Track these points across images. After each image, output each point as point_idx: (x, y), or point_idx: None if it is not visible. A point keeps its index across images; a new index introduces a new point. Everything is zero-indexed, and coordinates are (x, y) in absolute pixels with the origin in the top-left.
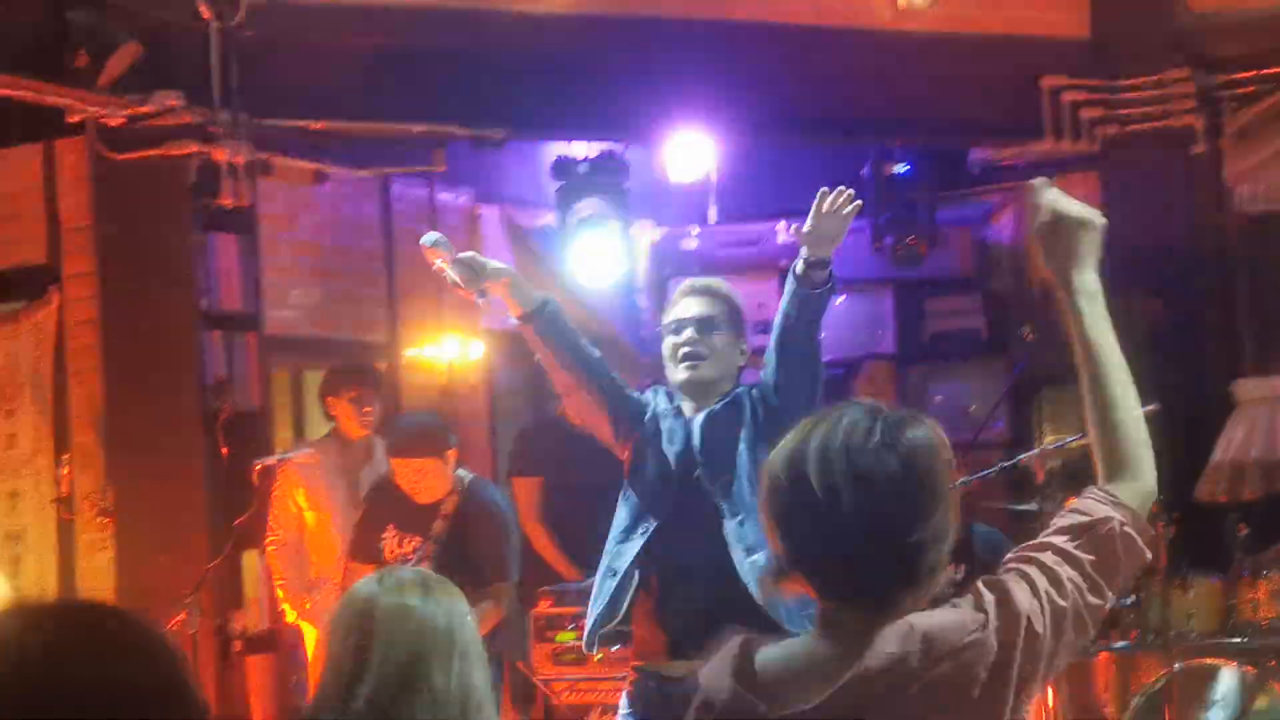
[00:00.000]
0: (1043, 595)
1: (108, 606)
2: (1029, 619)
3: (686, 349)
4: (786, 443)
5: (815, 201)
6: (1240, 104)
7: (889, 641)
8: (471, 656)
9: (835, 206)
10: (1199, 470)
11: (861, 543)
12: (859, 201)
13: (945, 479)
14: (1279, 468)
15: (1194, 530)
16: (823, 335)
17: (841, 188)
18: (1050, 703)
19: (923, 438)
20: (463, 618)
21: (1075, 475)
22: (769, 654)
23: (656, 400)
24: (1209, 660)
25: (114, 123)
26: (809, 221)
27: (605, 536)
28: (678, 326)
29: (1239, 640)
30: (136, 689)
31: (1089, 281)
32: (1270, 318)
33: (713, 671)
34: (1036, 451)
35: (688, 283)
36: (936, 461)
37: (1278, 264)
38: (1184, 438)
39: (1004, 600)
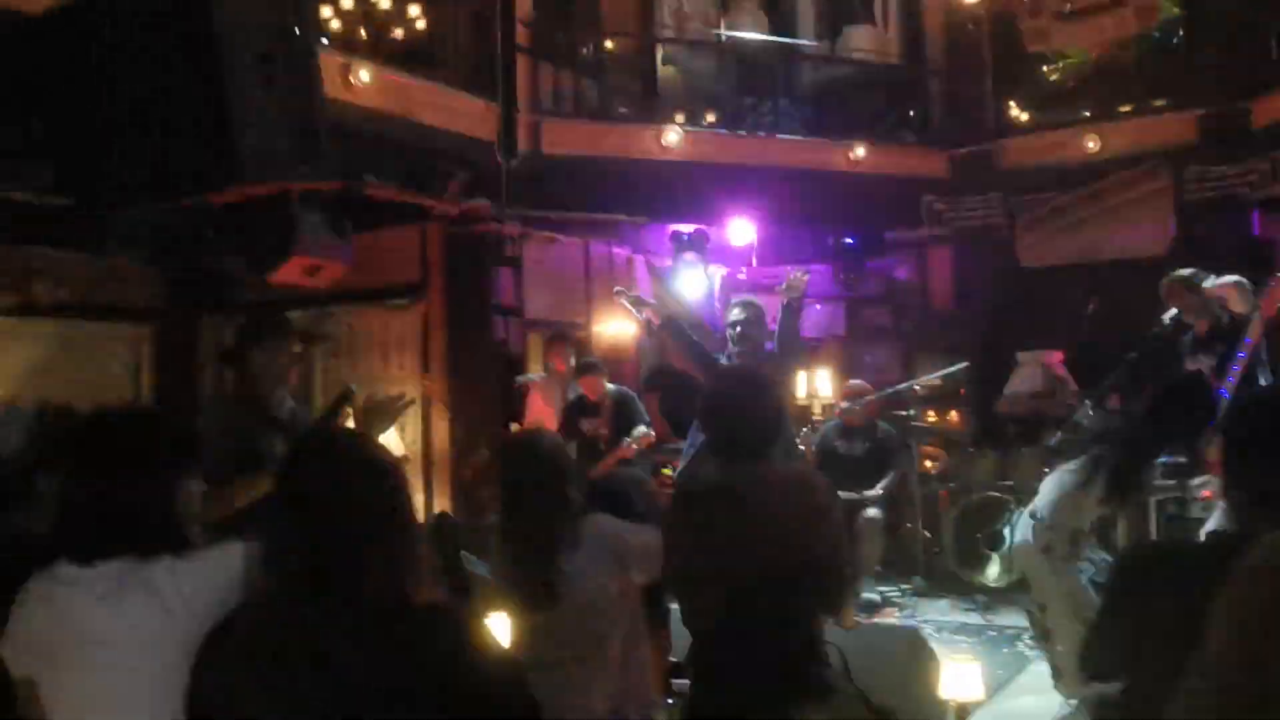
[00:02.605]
0: None
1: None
2: None
3: (736, 332)
4: None
5: (787, 278)
6: (1026, 211)
7: None
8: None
9: (797, 279)
10: (995, 399)
11: None
12: (808, 274)
13: None
14: (1033, 397)
15: (986, 430)
16: (803, 325)
17: (799, 272)
18: None
19: None
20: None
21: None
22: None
23: (721, 360)
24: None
25: (453, 214)
26: (784, 285)
27: (689, 427)
28: (733, 323)
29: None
30: (384, 454)
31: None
32: (1035, 319)
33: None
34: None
35: (737, 300)
36: None
37: (1039, 294)
38: (988, 381)
39: None
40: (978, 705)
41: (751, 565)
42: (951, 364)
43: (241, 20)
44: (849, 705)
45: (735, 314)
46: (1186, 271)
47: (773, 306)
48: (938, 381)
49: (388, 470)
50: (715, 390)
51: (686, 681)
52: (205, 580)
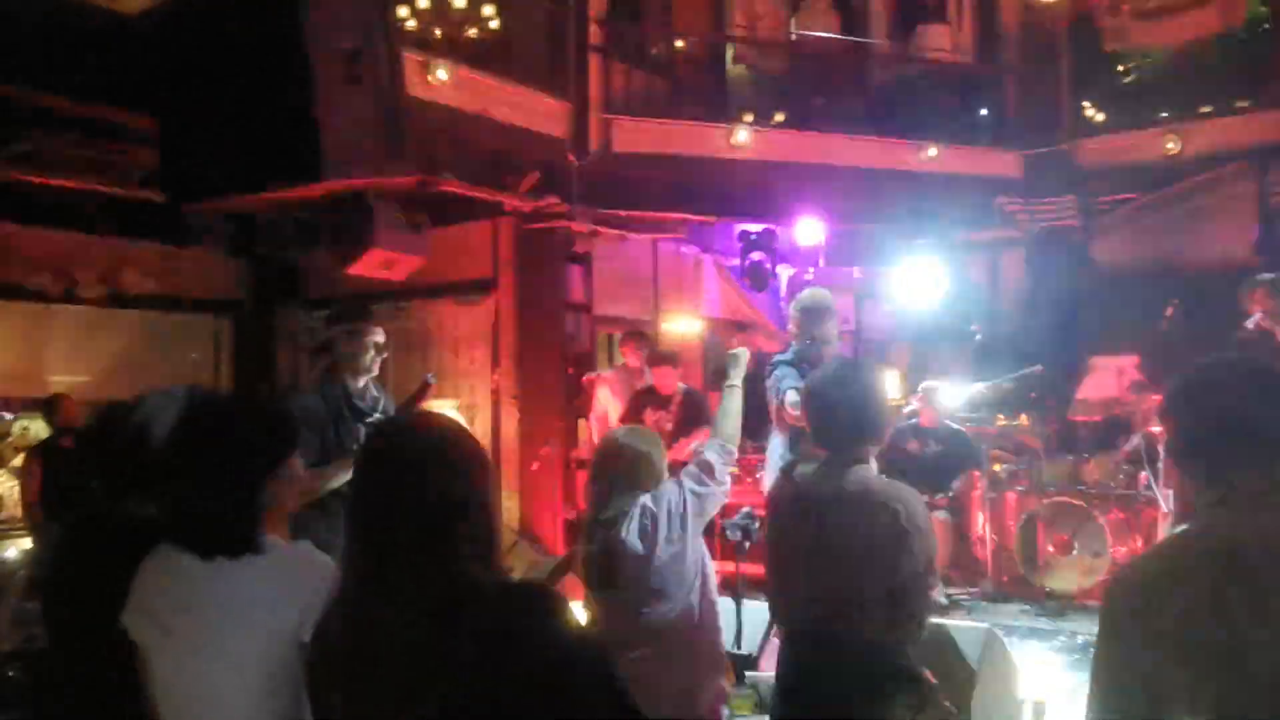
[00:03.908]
0: None
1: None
2: None
3: (799, 327)
4: None
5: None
6: (1103, 213)
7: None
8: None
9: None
10: (1068, 403)
11: None
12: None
13: None
14: (1110, 403)
15: (1059, 434)
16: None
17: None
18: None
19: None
20: (659, 447)
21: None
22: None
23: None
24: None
25: (526, 210)
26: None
27: (754, 427)
28: (797, 315)
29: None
30: (472, 440)
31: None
32: (1109, 323)
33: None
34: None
35: (804, 294)
36: None
37: (1114, 297)
38: (1061, 385)
39: None
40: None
41: (842, 577)
42: (1022, 367)
43: (328, 20)
44: (933, 706)
45: (798, 308)
46: (1269, 276)
47: (844, 305)
48: (1009, 384)
49: (461, 458)
50: (818, 384)
51: (759, 673)
52: (302, 570)
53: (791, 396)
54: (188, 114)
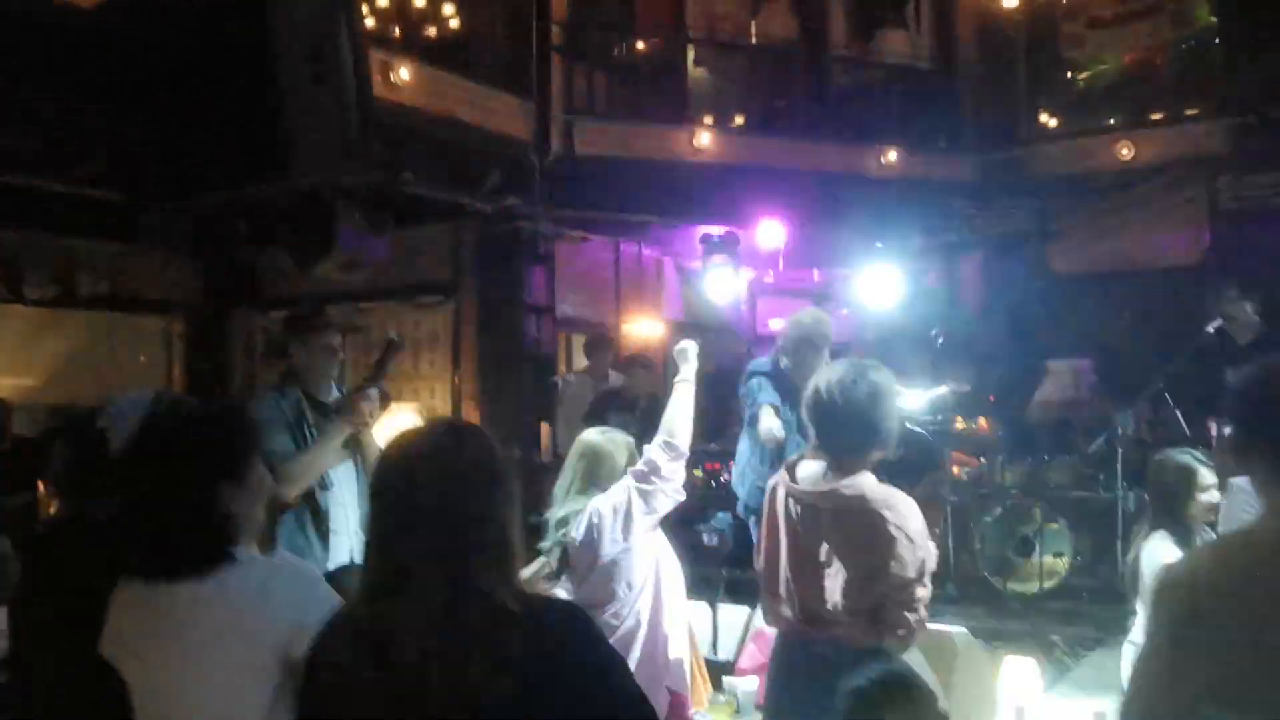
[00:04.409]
0: None
1: (470, 424)
2: None
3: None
4: None
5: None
6: (1058, 219)
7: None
8: (625, 456)
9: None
10: (1026, 406)
11: None
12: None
13: None
14: (1066, 405)
15: (1017, 437)
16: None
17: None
18: None
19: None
20: (625, 444)
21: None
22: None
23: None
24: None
25: (487, 211)
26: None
27: (716, 429)
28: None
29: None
30: (478, 440)
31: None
32: (1066, 326)
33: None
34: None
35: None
36: None
37: (1069, 301)
38: (1018, 388)
39: None
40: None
41: (834, 581)
42: (979, 371)
43: (293, 17)
44: (926, 704)
45: (798, 328)
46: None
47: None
48: (966, 388)
49: (474, 468)
50: (824, 388)
51: (736, 678)
52: (284, 582)
53: (767, 417)
54: (144, 110)
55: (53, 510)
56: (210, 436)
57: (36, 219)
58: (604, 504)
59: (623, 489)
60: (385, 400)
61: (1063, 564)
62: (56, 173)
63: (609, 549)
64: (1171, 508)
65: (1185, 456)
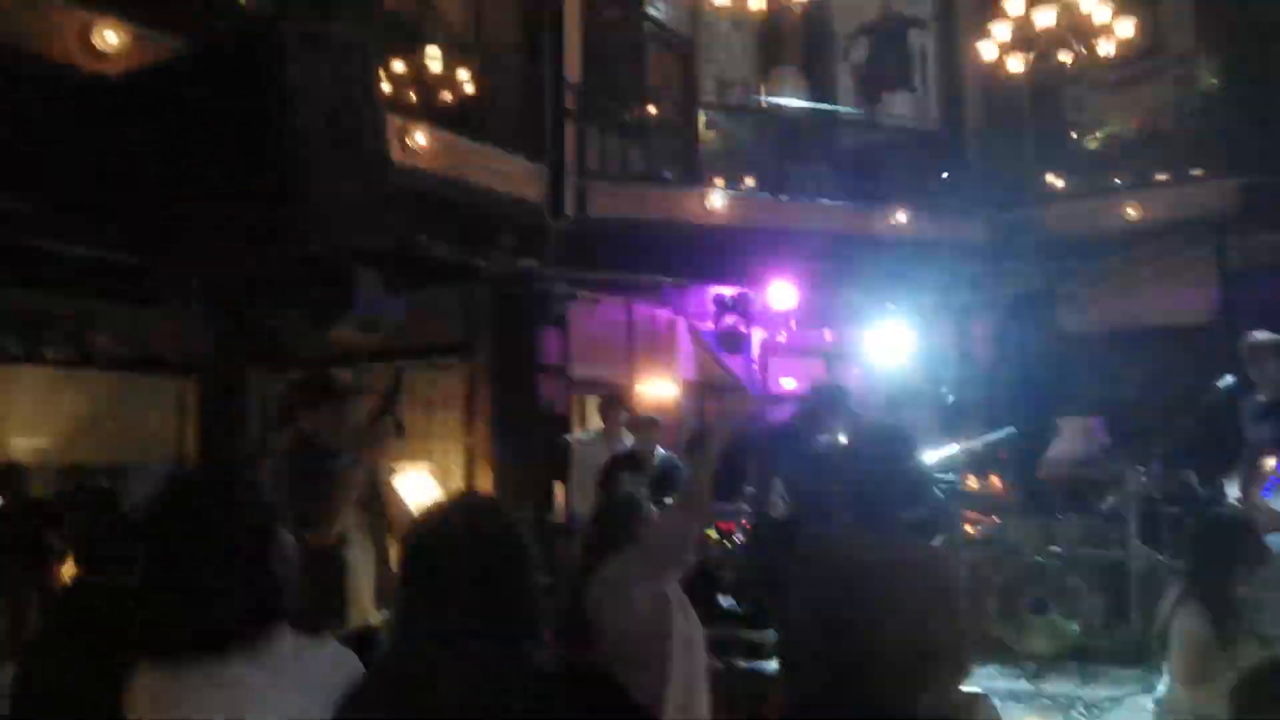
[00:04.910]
0: None
1: (492, 498)
2: None
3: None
4: None
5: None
6: (1067, 278)
7: None
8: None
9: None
10: (1038, 464)
11: None
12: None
13: None
14: (1078, 464)
15: (1030, 495)
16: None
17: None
18: None
19: None
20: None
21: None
22: None
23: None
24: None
25: (501, 274)
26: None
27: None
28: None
29: None
30: (507, 515)
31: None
32: (1076, 384)
33: None
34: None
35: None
36: None
37: (1079, 359)
38: (1030, 446)
39: None
40: None
41: (868, 644)
42: (991, 429)
43: (311, 83)
44: None
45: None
46: (1272, 336)
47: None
48: (980, 446)
49: (499, 539)
50: (847, 449)
51: None
52: (326, 660)
53: (776, 488)
54: (164, 174)
55: (65, 573)
56: (251, 500)
57: (55, 281)
58: (623, 566)
59: (637, 549)
60: (400, 430)
61: (1078, 623)
62: (76, 236)
63: (624, 618)
64: (1214, 574)
65: (1239, 516)
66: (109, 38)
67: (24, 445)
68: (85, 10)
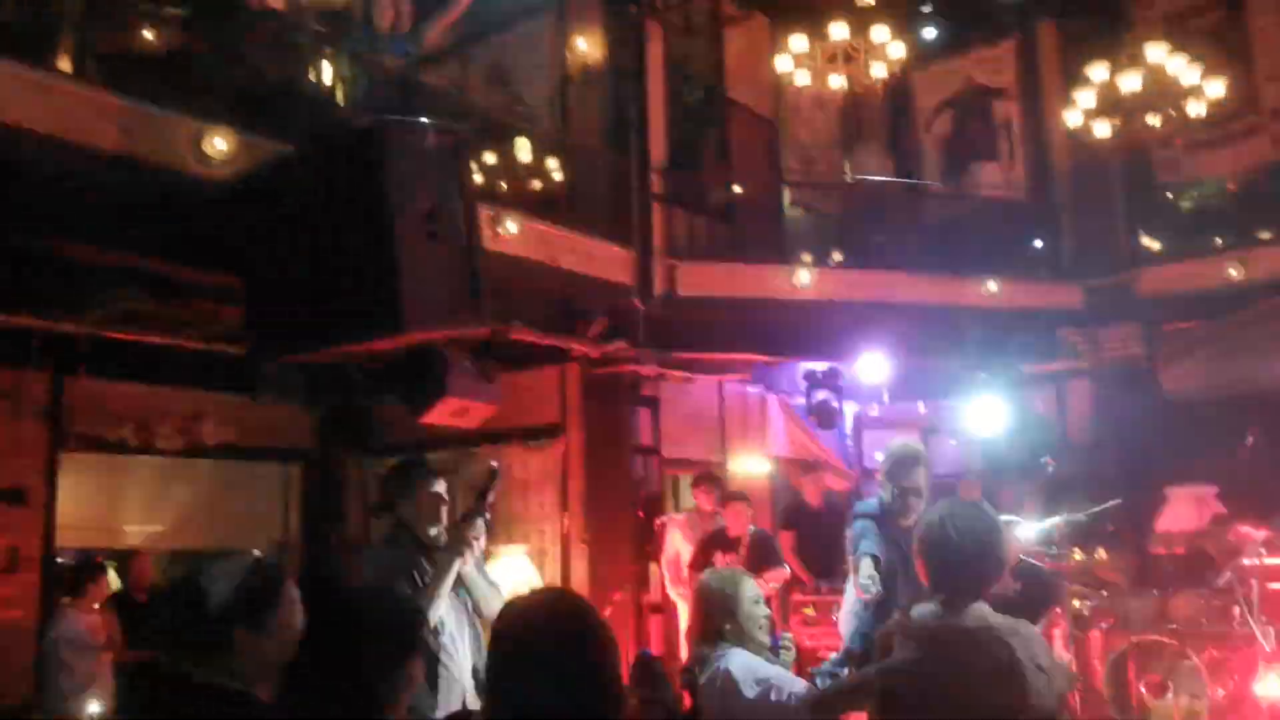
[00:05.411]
0: None
1: (575, 594)
2: None
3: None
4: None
5: None
6: (1168, 341)
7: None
8: (751, 602)
9: None
10: (1146, 535)
11: None
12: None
13: None
14: (1191, 535)
15: (1142, 568)
16: None
17: None
18: None
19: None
20: (747, 584)
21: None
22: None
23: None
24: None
25: (593, 356)
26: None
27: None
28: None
29: None
30: (594, 627)
31: None
32: (1182, 452)
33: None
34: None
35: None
36: None
37: (1186, 425)
38: (1136, 517)
39: None
40: None
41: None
42: (1095, 501)
43: (409, 180)
44: None
45: (889, 457)
46: None
47: (909, 437)
48: (1088, 518)
49: (575, 630)
50: (938, 525)
51: None
52: None
53: (866, 569)
54: (270, 271)
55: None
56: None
57: (167, 374)
58: (734, 664)
59: (753, 670)
60: (489, 529)
61: (1201, 705)
62: (186, 331)
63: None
64: None
65: None
66: (218, 144)
67: (140, 532)
68: (194, 120)
